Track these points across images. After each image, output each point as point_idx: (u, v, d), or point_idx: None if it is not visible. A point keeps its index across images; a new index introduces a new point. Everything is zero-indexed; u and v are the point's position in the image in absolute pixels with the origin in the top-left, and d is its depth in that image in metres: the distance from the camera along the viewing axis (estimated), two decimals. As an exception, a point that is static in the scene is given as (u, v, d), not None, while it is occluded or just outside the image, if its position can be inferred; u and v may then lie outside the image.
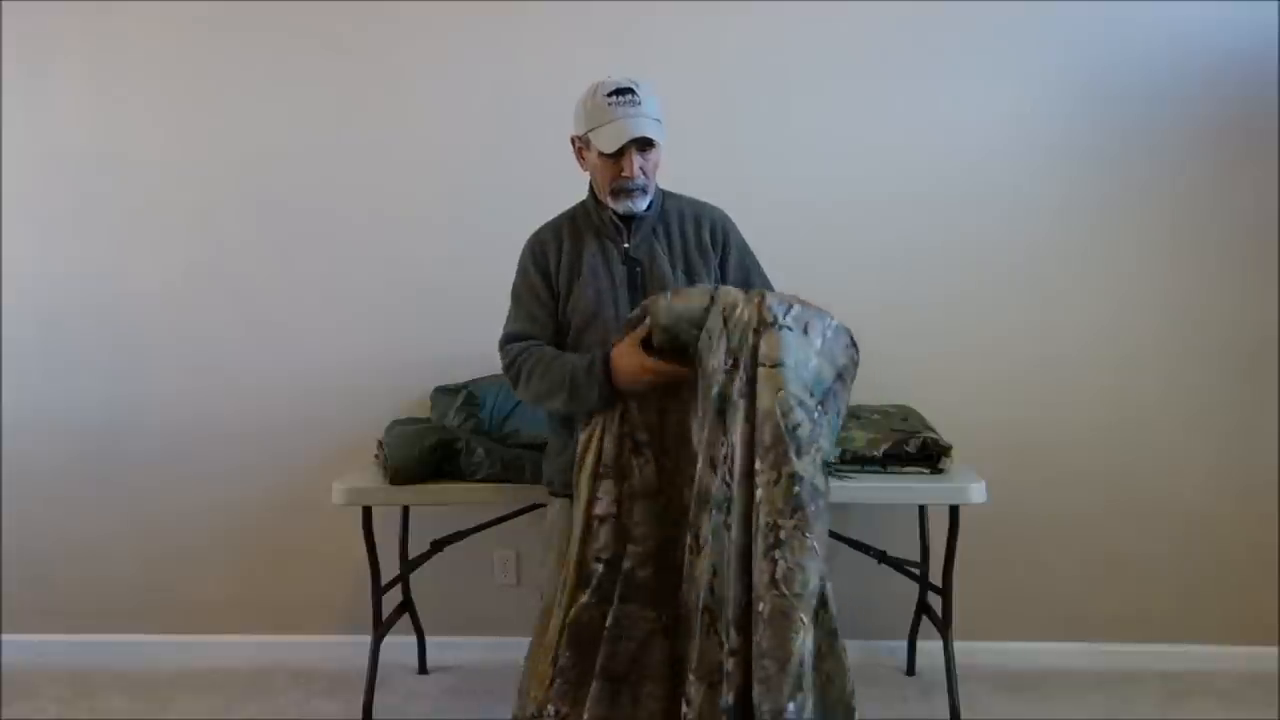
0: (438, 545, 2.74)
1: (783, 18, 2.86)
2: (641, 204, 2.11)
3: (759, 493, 1.81)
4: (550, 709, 1.93)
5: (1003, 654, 2.90)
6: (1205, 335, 2.85)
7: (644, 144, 2.07)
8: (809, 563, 1.79)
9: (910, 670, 2.91)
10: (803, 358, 1.86)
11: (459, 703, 2.79)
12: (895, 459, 2.46)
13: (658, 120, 2.08)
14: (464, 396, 2.72)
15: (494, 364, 2.70)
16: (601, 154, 2.07)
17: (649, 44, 2.87)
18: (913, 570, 2.72)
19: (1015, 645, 2.92)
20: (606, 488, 1.97)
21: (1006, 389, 2.89)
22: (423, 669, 2.97)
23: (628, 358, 1.96)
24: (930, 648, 2.72)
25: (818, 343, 1.90)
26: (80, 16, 2.95)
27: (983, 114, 2.86)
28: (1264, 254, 2.82)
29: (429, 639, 2.97)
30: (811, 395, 1.86)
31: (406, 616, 2.90)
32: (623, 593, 1.94)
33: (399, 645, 2.85)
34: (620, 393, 1.98)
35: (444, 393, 2.80)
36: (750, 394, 1.84)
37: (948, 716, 2.50)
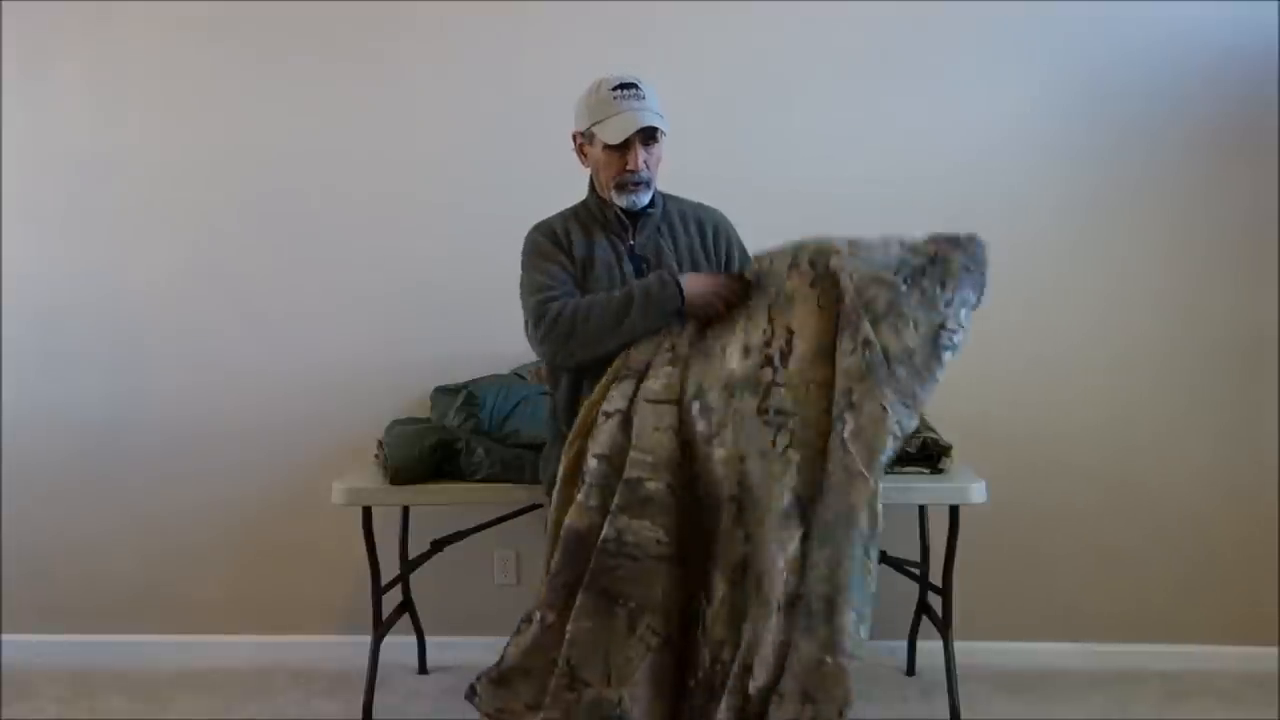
0: (438, 545, 2.74)
1: (783, 18, 2.86)
2: (645, 198, 2.11)
3: (838, 365, 1.83)
4: (538, 614, 1.88)
5: (1003, 654, 2.90)
6: (1205, 334, 2.85)
7: (647, 138, 2.08)
8: (879, 424, 1.78)
9: (910, 670, 2.91)
10: (877, 249, 1.96)
11: (459, 703, 2.75)
12: (895, 459, 2.45)
13: (660, 115, 2.09)
14: (464, 396, 2.72)
15: (494, 364, 2.70)
16: (606, 148, 2.08)
17: (649, 44, 2.87)
18: (913, 570, 2.72)
19: (1015, 645, 2.92)
20: (624, 388, 1.96)
21: (1006, 389, 2.89)
22: (423, 669, 2.97)
23: (700, 281, 2.01)
24: (930, 648, 2.72)
25: (895, 249, 1.98)
26: (80, 17, 2.95)
27: (981, 113, 2.86)
28: (1262, 252, 2.82)
29: (429, 639, 2.97)
30: (896, 273, 1.90)
31: (406, 616, 2.90)
32: (624, 503, 1.83)
33: (399, 645, 2.85)
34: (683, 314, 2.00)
35: (444, 393, 2.79)
36: (822, 288, 1.90)
37: (948, 716, 2.50)
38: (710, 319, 1.99)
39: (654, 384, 1.93)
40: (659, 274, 2.03)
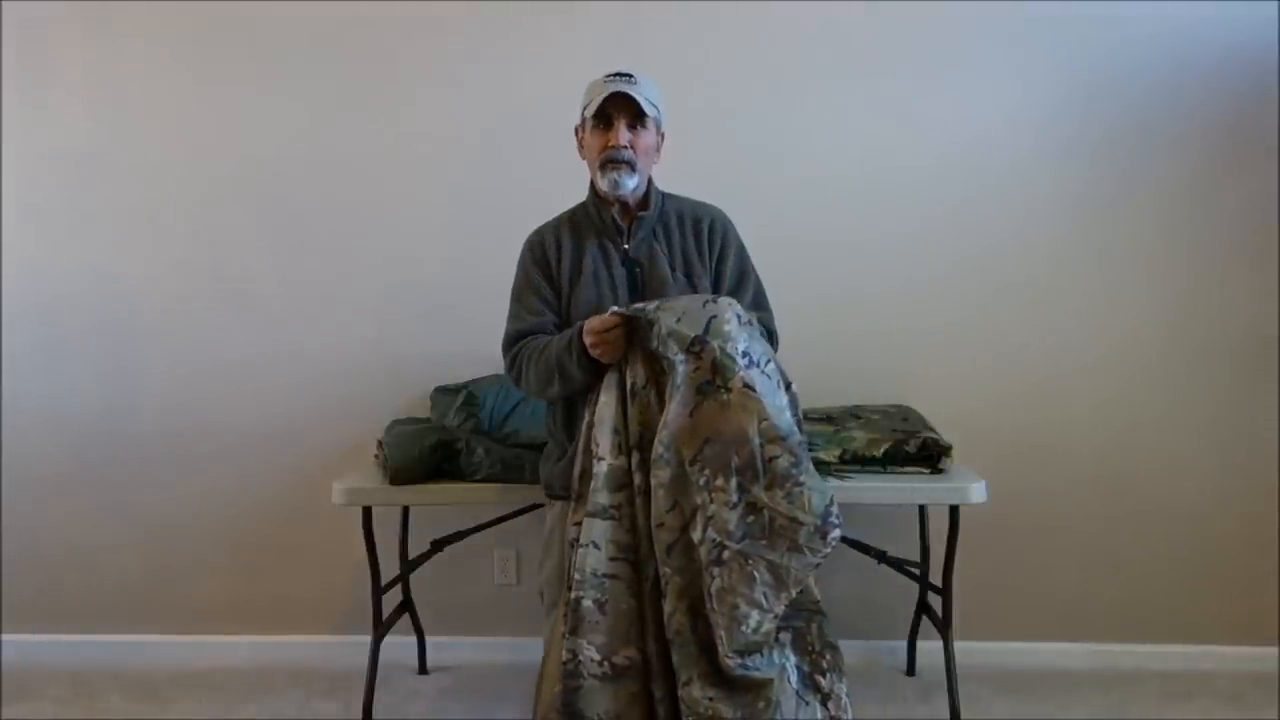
0: (438, 545, 2.74)
1: (782, 18, 2.86)
2: (629, 182, 2.09)
3: (712, 508, 1.82)
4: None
5: (1003, 654, 2.90)
6: (1205, 333, 2.85)
7: (633, 119, 2.08)
8: (744, 589, 1.82)
9: (910, 670, 2.91)
10: (774, 399, 1.90)
11: (459, 703, 2.79)
12: (895, 459, 2.46)
13: (652, 104, 2.10)
14: (464, 396, 2.72)
15: (494, 364, 2.71)
16: (593, 129, 2.09)
17: (649, 44, 2.87)
18: (913, 570, 2.72)
19: (1015, 645, 2.92)
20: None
21: (1006, 389, 2.89)
22: (423, 669, 2.97)
23: (587, 327, 1.97)
24: (930, 648, 2.72)
25: (784, 399, 1.93)
26: (80, 17, 2.95)
27: (981, 113, 2.86)
28: (1264, 253, 2.82)
29: (429, 639, 2.97)
30: (787, 437, 1.87)
31: (406, 616, 2.90)
32: (571, 625, 1.88)
33: (399, 645, 2.85)
34: (600, 363, 1.98)
35: (444, 393, 2.80)
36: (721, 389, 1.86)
37: (948, 716, 2.50)
38: (611, 358, 1.95)
39: (599, 497, 1.91)
40: (569, 335, 2.02)
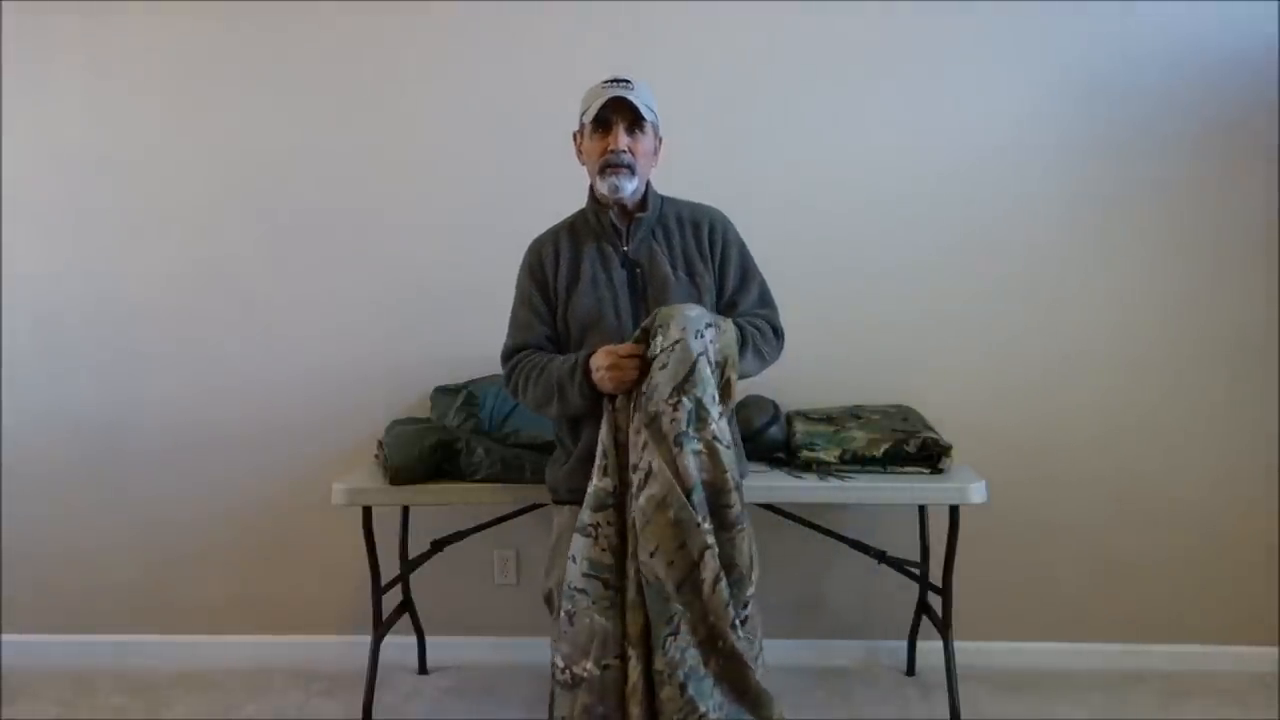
0: (438, 545, 2.74)
1: (783, 19, 2.86)
2: (629, 185, 2.09)
3: (715, 548, 1.89)
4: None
5: (1003, 654, 2.90)
6: (1205, 335, 2.85)
7: (632, 124, 2.09)
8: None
9: (910, 670, 2.91)
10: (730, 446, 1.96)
11: (459, 703, 2.79)
12: (895, 459, 2.46)
13: (649, 108, 2.11)
14: (464, 396, 2.72)
15: (494, 364, 2.72)
16: (592, 134, 2.10)
17: (650, 45, 2.87)
18: (913, 570, 2.72)
19: (1015, 645, 2.92)
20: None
21: (1007, 389, 2.89)
22: (423, 669, 2.97)
23: (597, 358, 1.99)
24: (930, 648, 2.72)
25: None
26: (80, 16, 2.95)
27: (983, 114, 2.86)
28: (1265, 255, 2.82)
29: (429, 639, 2.97)
30: (740, 486, 1.97)
31: (406, 616, 2.90)
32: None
33: (399, 645, 2.86)
34: (601, 393, 1.99)
35: (444, 393, 2.80)
36: (700, 439, 1.91)
37: (948, 716, 2.50)
38: (621, 388, 1.97)
39: (584, 515, 1.97)
40: (574, 360, 2.04)
